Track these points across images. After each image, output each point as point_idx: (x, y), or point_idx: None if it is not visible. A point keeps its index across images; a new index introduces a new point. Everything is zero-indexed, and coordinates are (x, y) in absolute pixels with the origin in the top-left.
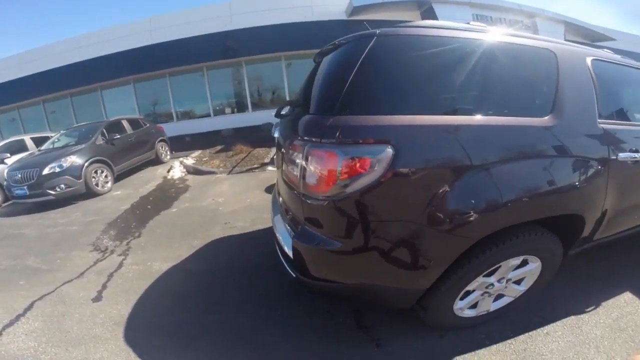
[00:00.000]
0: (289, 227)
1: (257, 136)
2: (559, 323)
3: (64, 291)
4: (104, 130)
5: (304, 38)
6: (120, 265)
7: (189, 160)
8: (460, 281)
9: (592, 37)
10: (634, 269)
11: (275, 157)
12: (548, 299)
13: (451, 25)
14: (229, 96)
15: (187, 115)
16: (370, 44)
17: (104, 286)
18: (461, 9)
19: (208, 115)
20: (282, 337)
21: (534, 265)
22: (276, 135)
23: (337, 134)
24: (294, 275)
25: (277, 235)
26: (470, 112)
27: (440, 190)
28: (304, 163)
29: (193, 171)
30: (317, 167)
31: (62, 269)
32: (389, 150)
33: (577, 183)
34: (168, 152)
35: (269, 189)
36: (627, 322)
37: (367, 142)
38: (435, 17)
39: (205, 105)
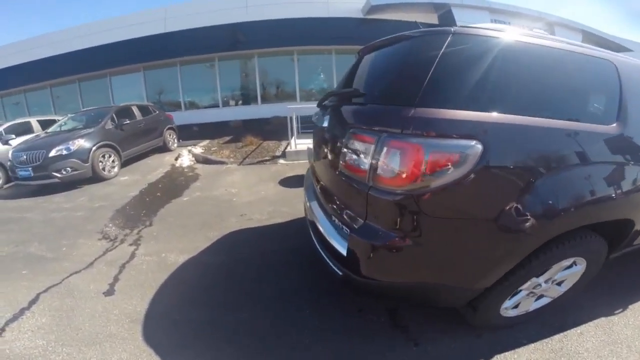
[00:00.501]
0: (337, 221)
1: (265, 129)
2: (591, 324)
3: (72, 283)
4: (114, 115)
5: (318, 34)
6: (133, 255)
7: (198, 149)
8: (517, 282)
9: (608, 46)
10: None
11: (314, 146)
12: (577, 302)
13: (522, 32)
14: (238, 88)
15: (195, 105)
16: (448, 40)
17: (116, 278)
18: (480, 13)
19: (216, 106)
20: (313, 338)
21: (580, 268)
22: (325, 124)
23: (423, 126)
24: (340, 274)
25: (320, 227)
26: (546, 116)
27: (520, 191)
28: (377, 155)
29: (202, 160)
30: (397, 159)
31: (69, 258)
32: (479, 147)
33: (635, 188)
34: (176, 140)
35: (284, 182)
36: None
37: (456, 137)
38: (453, 21)
39: (214, 96)
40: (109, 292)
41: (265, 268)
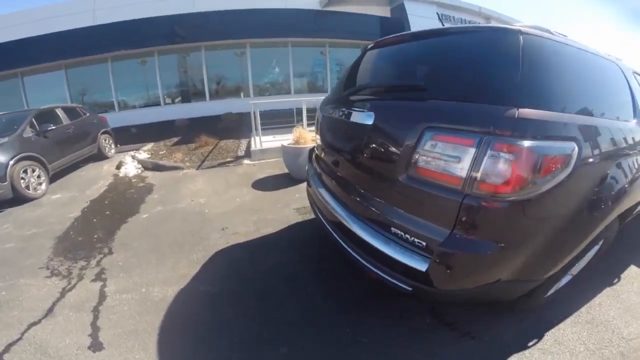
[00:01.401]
0: (403, 234)
1: (218, 127)
2: (602, 295)
3: (38, 337)
4: (34, 121)
5: (274, 26)
6: (103, 295)
7: (143, 155)
8: (573, 266)
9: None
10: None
11: (330, 145)
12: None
13: (565, 38)
14: (183, 84)
15: (131, 105)
16: (522, 41)
17: (96, 327)
18: (429, 7)
19: (157, 104)
20: (372, 353)
21: (599, 246)
22: (359, 121)
23: (533, 128)
24: (409, 289)
25: (371, 241)
26: (602, 116)
27: (597, 186)
28: (480, 159)
29: (152, 167)
30: (508, 164)
31: (16, 305)
32: (577, 148)
33: None
34: (113, 146)
35: (258, 185)
36: None
37: (561, 139)
38: (405, 14)
39: (154, 94)
40: (96, 347)
41: (279, 288)
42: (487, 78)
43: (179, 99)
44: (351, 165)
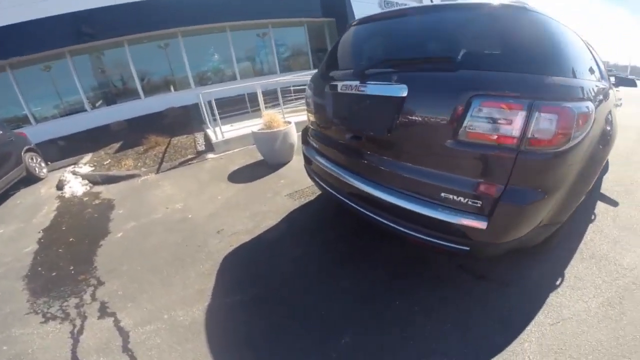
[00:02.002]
0: (454, 197)
1: (164, 124)
2: (589, 232)
3: None
4: None
5: (206, 11)
6: (123, 331)
7: (84, 169)
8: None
9: None
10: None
11: (332, 121)
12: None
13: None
14: (108, 84)
15: (50, 115)
16: (533, 15)
17: None
18: None
19: (83, 110)
20: (428, 317)
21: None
22: (381, 92)
23: (567, 92)
24: (467, 249)
25: (419, 210)
26: (593, 79)
27: (600, 134)
28: (530, 120)
29: (102, 180)
30: (554, 123)
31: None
32: (593, 106)
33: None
34: (43, 165)
35: (235, 178)
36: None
37: (585, 99)
38: None
39: (76, 99)
40: None
41: (311, 280)
42: (522, 51)
43: (108, 101)
44: (380, 139)
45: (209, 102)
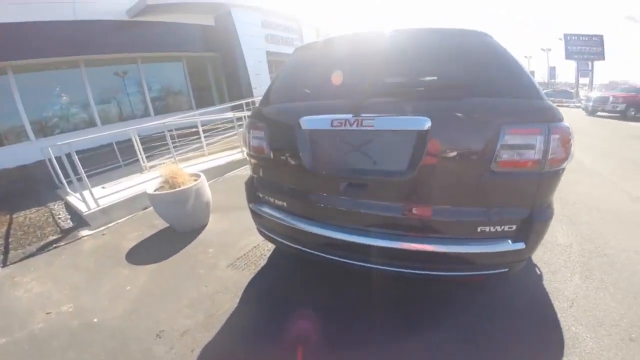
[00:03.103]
0: (490, 229)
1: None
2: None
3: None
4: None
5: (57, 43)
6: None
7: None
8: None
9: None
10: None
11: (318, 168)
12: None
13: None
14: None
15: None
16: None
17: None
18: (254, 14)
19: None
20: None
21: None
22: (396, 127)
23: (558, 114)
24: (506, 270)
25: (467, 249)
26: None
27: None
28: (547, 142)
29: None
30: (561, 142)
31: None
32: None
33: None
34: None
35: (138, 258)
36: None
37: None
38: (232, 21)
39: None
40: None
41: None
42: (518, 78)
43: None
44: (394, 183)
45: (68, 156)
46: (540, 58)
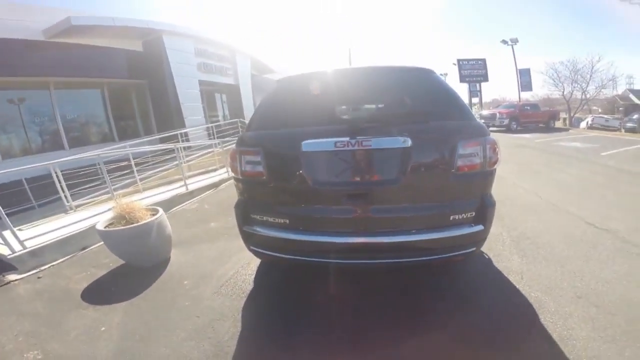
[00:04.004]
0: (455, 217)
1: None
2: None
3: None
4: None
5: None
6: None
7: None
8: None
9: (262, 69)
10: None
11: (320, 184)
12: None
13: None
14: None
15: None
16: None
17: None
18: (186, 41)
19: None
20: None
21: None
22: (384, 145)
23: (486, 130)
24: (473, 249)
25: (445, 234)
26: None
27: None
28: (484, 151)
29: None
30: (493, 150)
31: None
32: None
33: None
34: None
35: (99, 298)
36: None
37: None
38: (164, 47)
39: None
40: None
41: None
42: (453, 104)
43: None
44: (387, 190)
45: None
46: None
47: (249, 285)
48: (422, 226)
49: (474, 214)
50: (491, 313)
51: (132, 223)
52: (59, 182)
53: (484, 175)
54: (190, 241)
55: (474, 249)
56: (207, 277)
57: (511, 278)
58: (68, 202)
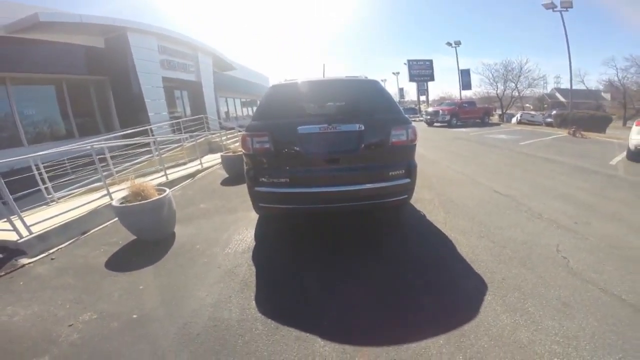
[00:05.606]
0: (392, 173)
1: None
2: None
3: None
4: None
5: None
6: None
7: None
8: None
9: (223, 66)
10: None
11: (310, 153)
12: None
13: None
14: None
15: None
16: (380, 84)
17: None
18: (150, 38)
19: None
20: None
21: None
22: (347, 129)
23: (409, 121)
24: (405, 196)
25: (382, 185)
26: None
27: None
28: (408, 133)
29: None
30: (413, 133)
31: None
32: None
33: None
34: None
35: (122, 266)
36: None
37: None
38: (128, 44)
39: None
40: None
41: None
42: (389, 106)
43: None
44: (351, 156)
45: None
46: (392, 80)
47: (251, 242)
48: (373, 179)
49: (403, 171)
50: (424, 245)
51: (148, 199)
52: (43, 175)
53: (409, 148)
54: (188, 219)
55: (406, 196)
56: (214, 241)
57: (439, 226)
58: (51, 194)
